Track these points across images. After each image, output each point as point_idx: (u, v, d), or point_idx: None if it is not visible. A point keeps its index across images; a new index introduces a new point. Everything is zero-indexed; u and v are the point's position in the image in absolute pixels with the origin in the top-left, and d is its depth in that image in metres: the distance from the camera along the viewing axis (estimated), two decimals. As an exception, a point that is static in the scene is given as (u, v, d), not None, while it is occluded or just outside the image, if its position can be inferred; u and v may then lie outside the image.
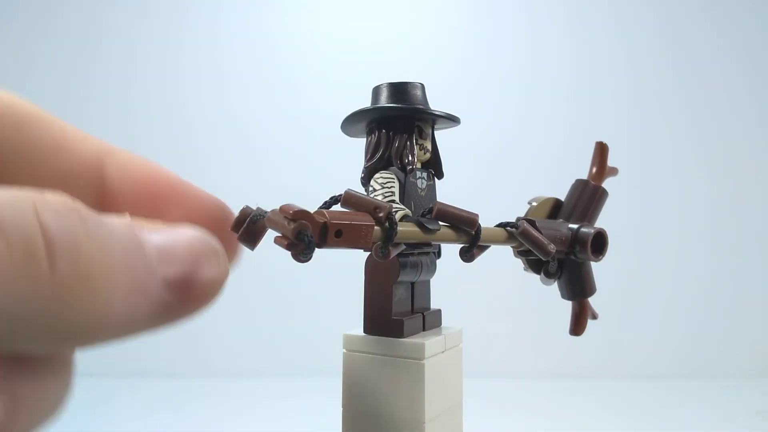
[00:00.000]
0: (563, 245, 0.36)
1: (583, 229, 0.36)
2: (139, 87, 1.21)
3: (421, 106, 0.34)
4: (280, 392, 0.92)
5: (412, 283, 0.34)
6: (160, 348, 1.02)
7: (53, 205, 0.13)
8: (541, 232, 0.34)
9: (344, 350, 0.34)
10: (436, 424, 0.32)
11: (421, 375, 0.31)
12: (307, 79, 1.20)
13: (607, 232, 0.36)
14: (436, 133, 0.36)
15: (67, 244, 0.13)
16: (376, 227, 0.27)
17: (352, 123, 0.34)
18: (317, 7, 1.23)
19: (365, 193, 0.29)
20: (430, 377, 0.31)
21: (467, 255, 0.32)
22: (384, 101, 0.34)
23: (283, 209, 0.25)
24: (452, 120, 0.36)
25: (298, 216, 0.25)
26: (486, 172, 1.11)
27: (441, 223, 0.30)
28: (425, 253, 0.35)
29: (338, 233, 0.26)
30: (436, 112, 0.33)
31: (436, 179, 0.36)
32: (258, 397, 0.90)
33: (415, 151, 0.33)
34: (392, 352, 0.32)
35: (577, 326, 0.39)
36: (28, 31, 1.24)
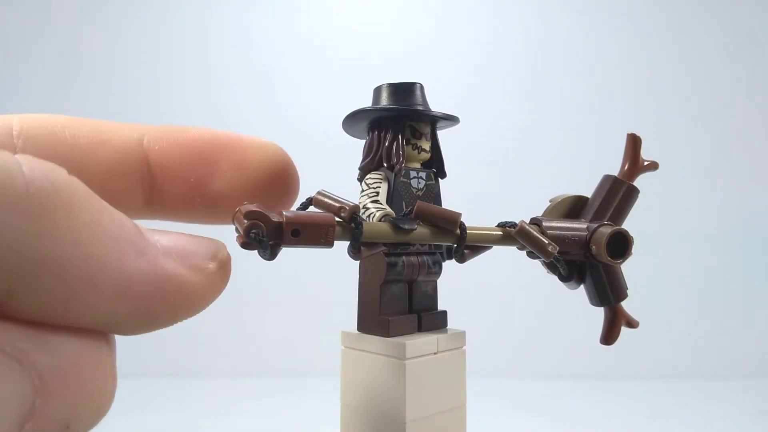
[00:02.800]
0: (577, 246, 0.33)
1: (601, 229, 0.33)
2: (130, 86, 1.20)
3: (419, 107, 0.34)
4: (279, 392, 0.91)
5: (411, 284, 0.34)
6: (158, 348, 1.03)
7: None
8: (544, 232, 0.32)
9: (342, 347, 0.35)
10: (423, 425, 0.31)
11: (402, 375, 0.31)
12: (306, 79, 1.17)
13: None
14: (439, 132, 0.36)
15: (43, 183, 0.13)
16: (338, 227, 0.28)
17: (351, 125, 0.35)
18: (319, 7, 1.20)
19: (335, 195, 0.29)
20: (413, 378, 0.31)
21: (456, 254, 0.31)
22: (381, 102, 0.34)
23: (240, 209, 0.27)
24: (450, 119, 0.35)
25: (250, 216, 0.26)
26: (500, 173, 1.11)
27: (424, 222, 0.30)
28: (430, 254, 0.35)
29: (295, 232, 0.27)
30: (427, 112, 0.33)
31: (440, 179, 0.36)
32: (257, 396, 0.89)
33: (404, 151, 0.33)
34: (379, 350, 0.32)
35: (608, 335, 0.35)
36: (14, 29, 1.22)
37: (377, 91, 0.35)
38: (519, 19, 1.19)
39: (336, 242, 0.29)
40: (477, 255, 0.33)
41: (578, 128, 1.14)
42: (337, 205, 0.28)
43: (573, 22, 1.18)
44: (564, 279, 0.34)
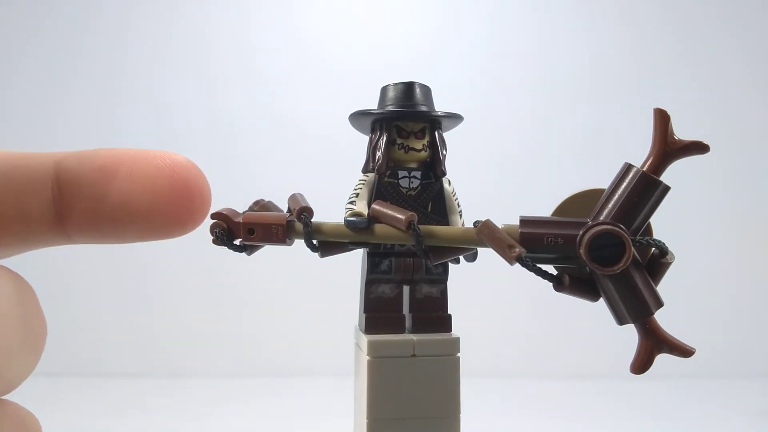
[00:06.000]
0: (560, 250, 0.28)
1: (593, 228, 0.27)
2: (126, 88, 1.18)
3: (423, 107, 0.34)
4: (279, 392, 0.88)
5: (410, 284, 0.34)
6: (156, 348, 1.03)
7: None
8: (514, 233, 0.28)
9: (354, 341, 0.36)
10: (392, 427, 0.31)
11: (365, 371, 0.31)
12: (306, 82, 1.13)
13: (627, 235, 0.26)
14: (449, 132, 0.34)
15: None
16: (292, 226, 0.30)
17: (359, 125, 0.36)
18: (320, 9, 1.16)
19: (302, 197, 0.32)
20: (379, 377, 0.31)
21: (420, 254, 0.30)
22: (385, 102, 0.35)
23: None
24: (452, 118, 0.33)
25: (214, 216, 0.31)
26: (509, 173, 1.09)
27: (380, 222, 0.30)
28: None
29: (251, 231, 0.31)
30: (400, 111, 0.32)
31: (445, 179, 0.34)
32: (257, 397, 0.86)
33: (383, 152, 0.33)
34: (362, 346, 0.33)
35: (637, 362, 0.28)
36: (10, 30, 1.21)
37: (382, 91, 0.35)
38: (525, 19, 1.17)
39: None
40: (453, 255, 0.31)
41: (588, 126, 1.13)
42: (292, 204, 0.31)
43: (579, 21, 1.18)
44: (556, 288, 0.29)
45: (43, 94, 1.19)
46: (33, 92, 1.20)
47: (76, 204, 0.19)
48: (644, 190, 0.27)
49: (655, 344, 0.28)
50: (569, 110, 1.15)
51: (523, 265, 0.28)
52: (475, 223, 0.30)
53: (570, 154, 1.10)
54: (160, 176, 0.19)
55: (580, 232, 0.27)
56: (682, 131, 0.29)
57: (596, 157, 0.87)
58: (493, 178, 1.06)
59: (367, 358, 0.31)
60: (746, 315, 1.10)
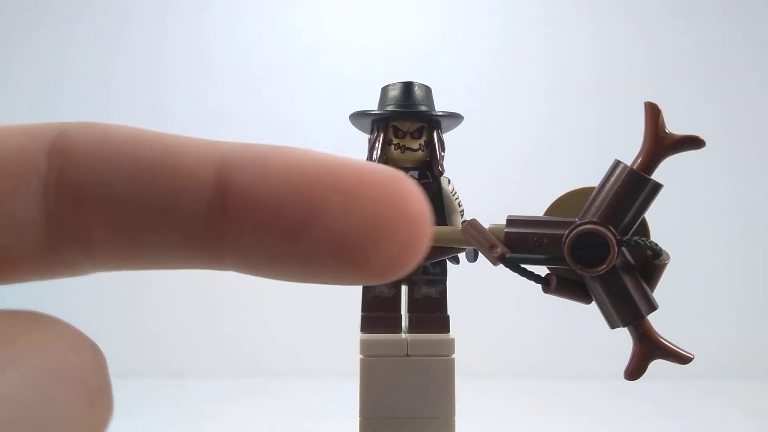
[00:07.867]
0: (545, 250, 0.27)
1: (576, 228, 0.26)
2: (121, 88, 1.14)
3: (422, 106, 0.34)
4: (278, 392, 0.86)
5: (409, 284, 0.34)
6: (154, 348, 1.01)
7: None
8: (497, 232, 0.28)
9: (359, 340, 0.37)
10: (387, 426, 0.31)
11: (360, 370, 0.32)
12: (304, 81, 1.11)
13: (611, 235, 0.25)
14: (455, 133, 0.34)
15: None
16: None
17: (360, 125, 0.36)
18: (318, 7, 1.14)
19: None
20: (371, 376, 0.31)
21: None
22: (385, 103, 0.35)
23: None
24: (451, 117, 0.33)
25: None
26: (513, 173, 1.08)
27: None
28: (429, 255, 0.33)
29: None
30: (397, 111, 0.32)
31: (444, 178, 0.34)
32: (256, 396, 0.85)
33: (378, 153, 0.33)
34: (359, 345, 0.33)
35: (629, 367, 0.27)
36: (8, 25, 1.18)
37: (382, 91, 0.36)
38: (531, 18, 1.16)
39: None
40: (444, 256, 0.30)
41: (595, 126, 1.11)
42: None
43: (588, 19, 1.16)
44: (544, 290, 0.28)
45: (38, 91, 1.15)
46: (28, 89, 1.17)
47: (250, 238, 0.13)
48: (632, 187, 0.26)
49: (648, 350, 0.27)
50: (576, 109, 1.13)
51: (506, 265, 0.27)
52: (463, 223, 0.29)
53: (577, 154, 1.07)
54: (381, 200, 0.12)
55: (566, 232, 0.27)
56: (690, 130, 0.28)
57: (603, 157, 0.83)
58: (498, 177, 1.04)
59: (360, 356, 0.32)
60: (746, 315, 1.09)
